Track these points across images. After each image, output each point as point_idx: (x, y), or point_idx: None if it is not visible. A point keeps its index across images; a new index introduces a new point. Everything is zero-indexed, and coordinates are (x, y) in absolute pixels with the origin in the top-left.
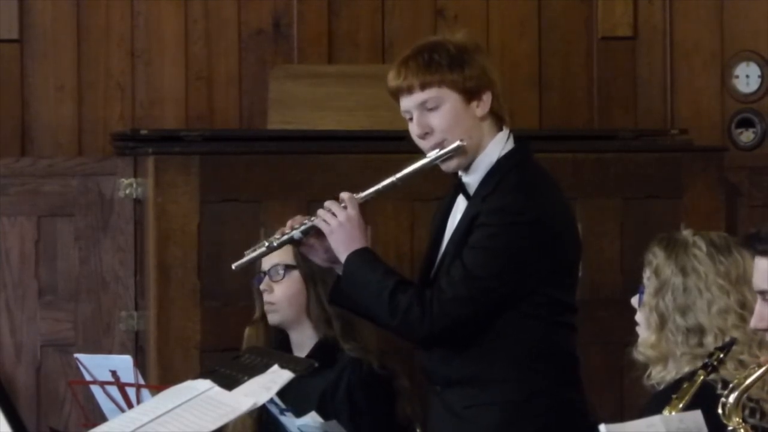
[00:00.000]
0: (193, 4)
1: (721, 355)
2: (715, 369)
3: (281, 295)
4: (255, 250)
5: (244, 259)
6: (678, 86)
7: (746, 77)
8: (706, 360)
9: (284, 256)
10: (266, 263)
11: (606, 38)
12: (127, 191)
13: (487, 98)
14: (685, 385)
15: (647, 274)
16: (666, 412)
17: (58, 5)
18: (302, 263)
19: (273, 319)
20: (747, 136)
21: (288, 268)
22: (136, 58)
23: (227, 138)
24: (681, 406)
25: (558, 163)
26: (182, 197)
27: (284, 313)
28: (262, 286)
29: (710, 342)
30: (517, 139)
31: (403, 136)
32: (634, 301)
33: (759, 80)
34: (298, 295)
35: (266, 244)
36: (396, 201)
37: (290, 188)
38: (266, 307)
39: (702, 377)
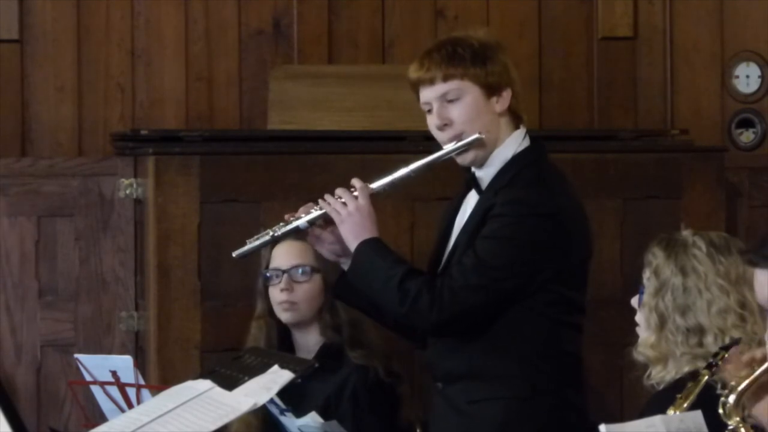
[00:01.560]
0: (193, 5)
1: (726, 355)
2: (719, 368)
3: (303, 295)
4: (258, 239)
5: (246, 248)
6: (678, 86)
7: (746, 77)
8: (711, 360)
9: (308, 258)
10: (285, 263)
11: (606, 38)
12: (128, 191)
13: (506, 95)
14: (689, 385)
15: (647, 274)
16: (670, 412)
17: (58, 5)
18: (324, 268)
19: (290, 317)
20: (747, 137)
21: (314, 270)
22: (136, 58)
23: (227, 138)
24: (686, 405)
25: (558, 163)
26: (182, 197)
27: (303, 313)
28: (282, 285)
29: (710, 342)
30: (533, 139)
31: (403, 137)
32: (634, 301)
33: (759, 80)
34: (317, 298)
35: (270, 233)
36: (396, 201)
37: (290, 189)
38: (283, 306)
39: (706, 377)
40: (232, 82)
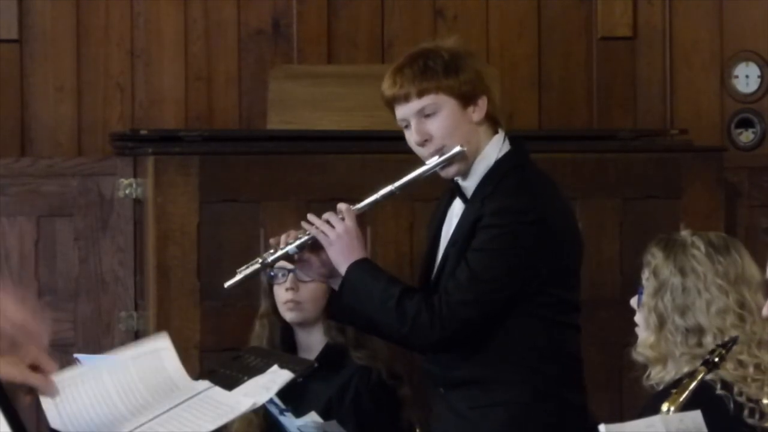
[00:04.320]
0: (193, 4)
1: (723, 352)
2: (716, 366)
3: (308, 295)
4: (248, 267)
5: (238, 278)
6: (677, 86)
7: (746, 77)
8: (708, 356)
9: None
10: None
11: (605, 38)
12: (127, 191)
13: (482, 103)
14: (685, 381)
15: (646, 274)
16: (664, 407)
17: (57, 6)
18: None
19: (295, 317)
20: (746, 136)
21: None
22: (135, 58)
23: (227, 138)
24: (680, 400)
25: (558, 163)
26: (182, 197)
27: (308, 313)
28: (287, 285)
29: (709, 342)
30: (512, 141)
31: (403, 136)
32: (633, 302)
33: (758, 80)
34: (322, 298)
35: (260, 260)
36: (396, 201)
37: (290, 188)
38: (288, 305)
39: (703, 373)
40: (232, 82)
